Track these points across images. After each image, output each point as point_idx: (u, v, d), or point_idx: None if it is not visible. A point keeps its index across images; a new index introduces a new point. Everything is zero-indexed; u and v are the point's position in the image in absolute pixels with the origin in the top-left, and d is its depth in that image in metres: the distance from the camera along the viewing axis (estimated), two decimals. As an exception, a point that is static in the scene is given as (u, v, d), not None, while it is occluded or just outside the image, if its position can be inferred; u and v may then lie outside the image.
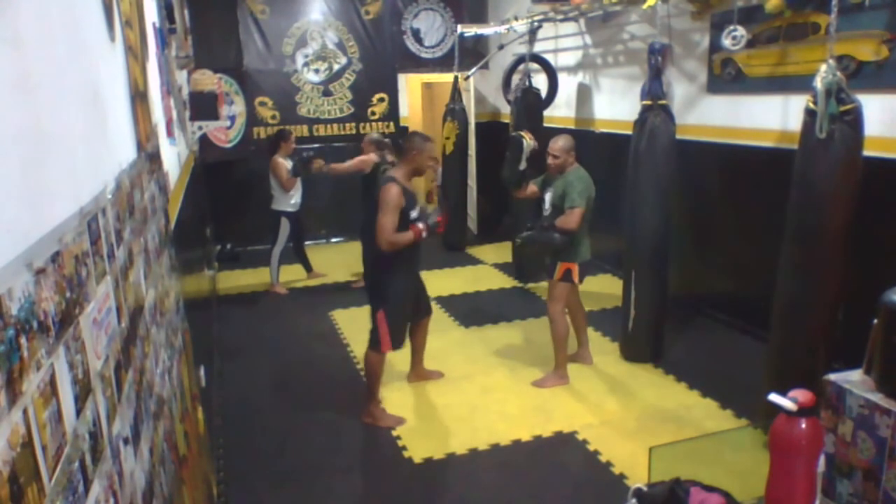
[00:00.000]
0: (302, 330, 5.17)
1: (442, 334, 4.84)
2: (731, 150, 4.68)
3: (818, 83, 2.93)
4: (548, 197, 4.01)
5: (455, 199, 7.14)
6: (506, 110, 7.32)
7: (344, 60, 7.69)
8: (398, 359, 4.30)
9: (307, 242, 6.59)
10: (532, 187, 4.15)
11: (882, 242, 3.52)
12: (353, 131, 7.80)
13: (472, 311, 5.41)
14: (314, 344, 4.90)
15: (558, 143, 3.94)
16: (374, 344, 3.66)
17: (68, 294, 0.94)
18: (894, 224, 3.50)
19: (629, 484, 2.96)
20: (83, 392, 0.96)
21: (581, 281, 4.02)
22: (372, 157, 5.47)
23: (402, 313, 3.70)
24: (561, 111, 6.70)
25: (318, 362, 4.58)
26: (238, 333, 5.13)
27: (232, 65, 7.12)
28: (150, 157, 2.15)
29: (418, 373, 4.20)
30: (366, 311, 5.50)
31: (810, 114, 3.00)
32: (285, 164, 5.79)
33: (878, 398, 2.12)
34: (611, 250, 5.81)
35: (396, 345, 3.68)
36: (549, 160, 3.96)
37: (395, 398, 3.96)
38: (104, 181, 1.32)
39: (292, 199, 5.91)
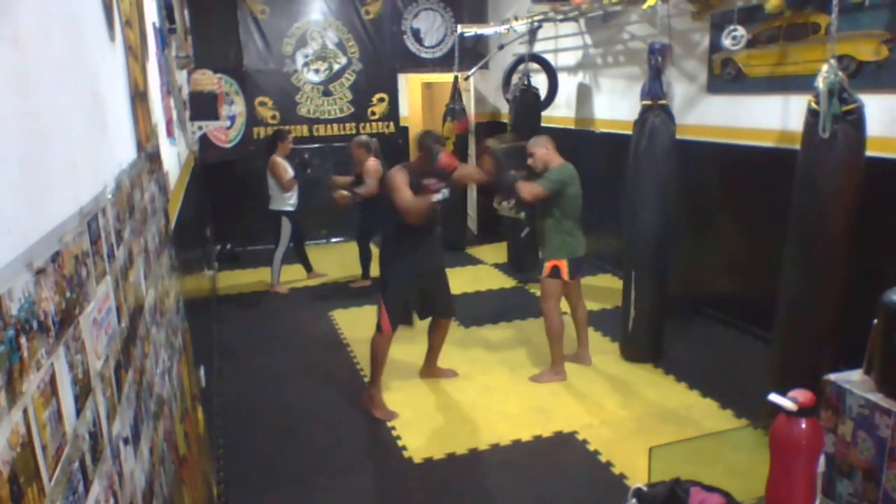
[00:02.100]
0: (302, 330, 5.17)
1: (442, 334, 4.84)
2: (731, 150, 4.68)
3: (820, 83, 2.93)
4: None
5: (455, 200, 7.14)
6: (506, 110, 7.32)
7: (344, 60, 7.69)
8: (401, 357, 4.30)
9: (307, 242, 6.59)
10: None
11: (881, 242, 3.52)
12: (353, 131, 7.79)
13: (472, 311, 5.41)
14: (314, 344, 4.90)
15: (532, 142, 4.05)
16: (378, 326, 3.80)
17: (68, 294, 0.94)
18: (893, 224, 3.50)
19: (629, 484, 2.96)
20: (83, 392, 0.96)
21: (574, 277, 4.03)
22: (373, 161, 5.61)
23: (399, 299, 3.80)
24: (561, 111, 6.69)
25: (318, 362, 4.58)
26: (238, 333, 5.13)
27: (232, 65, 7.12)
28: (150, 157, 2.15)
29: (430, 370, 4.22)
30: (366, 310, 5.53)
31: (813, 114, 2.99)
32: (284, 164, 5.80)
33: (878, 398, 2.12)
34: (611, 250, 5.81)
35: (395, 326, 3.80)
36: (529, 161, 4.01)
37: (396, 397, 3.96)
38: (104, 181, 1.32)
39: (291, 199, 5.91)
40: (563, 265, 3.96)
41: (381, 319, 3.78)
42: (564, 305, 4.18)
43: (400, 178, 3.62)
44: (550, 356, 4.13)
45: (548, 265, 3.99)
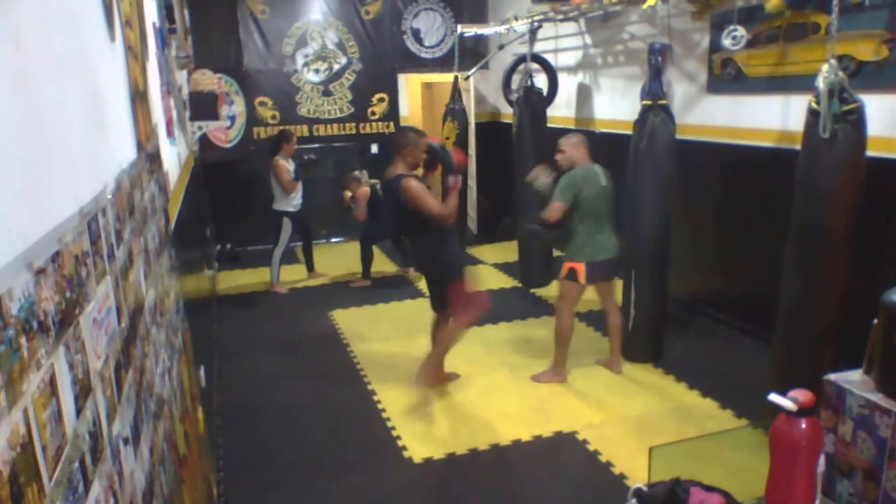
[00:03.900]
0: (302, 330, 5.17)
1: (442, 334, 4.84)
2: (731, 150, 4.68)
3: (820, 83, 2.93)
4: None
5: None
6: (506, 110, 7.32)
7: (344, 60, 7.69)
8: (401, 358, 4.31)
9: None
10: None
11: (881, 242, 3.52)
12: (353, 131, 7.81)
13: (472, 311, 5.40)
14: (314, 344, 4.90)
15: (567, 139, 4.00)
16: (460, 311, 3.78)
17: (68, 294, 0.94)
18: (893, 224, 3.50)
19: (629, 484, 2.96)
20: (83, 392, 0.96)
21: (593, 282, 3.92)
22: (363, 188, 6.02)
23: (464, 278, 3.87)
24: (561, 111, 6.69)
25: (318, 362, 4.58)
26: (238, 333, 5.13)
27: (232, 65, 7.12)
28: (150, 157, 2.15)
29: (441, 376, 4.14)
30: (366, 310, 5.55)
31: (813, 114, 2.99)
32: (286, 166, 5.81)
33: (878, 398, 2.12)
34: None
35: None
36: (557, 156, 3.97)
37: (395, 397, 3.96)
38: (104, 181, 1.32)
39: (294, 200, 5.93)
40: (580, 268, 3.86)
41: (465, 302, 3.77)
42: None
43: (419, 186, 3.60)
44: (553, 357, 4.11)
45: (564, 267, 3.93)
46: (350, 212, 6.15)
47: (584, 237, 3.87)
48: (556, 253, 5.83)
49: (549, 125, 6.14)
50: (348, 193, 6.13)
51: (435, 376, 3.86)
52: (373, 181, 6.13)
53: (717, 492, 2.30)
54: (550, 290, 5.85)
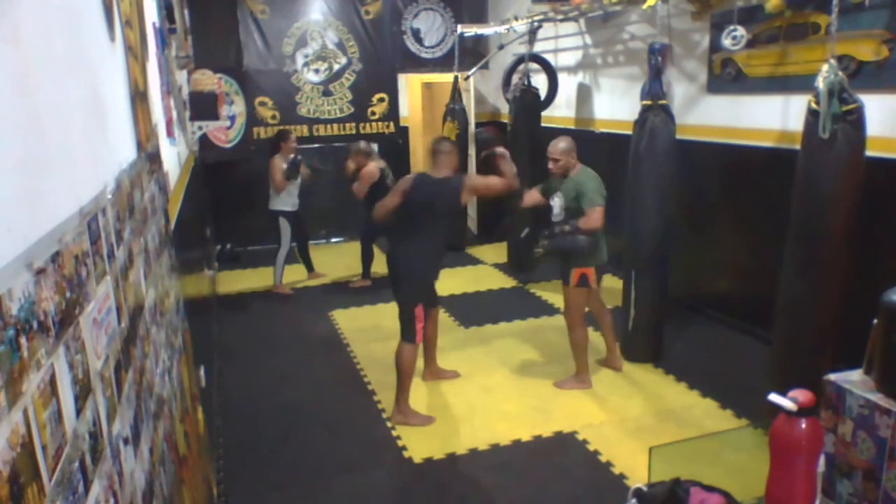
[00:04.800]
0: (302, 330, 5.17)
1: (442, 334, 4.80)
2: (731, 150, 4.68)
3: (820, 83, 2.93)
4: (557, 202, 3.90)
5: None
6: (506, 110, 7.32)
7: (344, 60, 7.69)
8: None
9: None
10: (536, 195, 4.06)
11: (881, 242, 3.52)
12: (353, 131, 7.81)
13: (472, 311, 5.41)
14: (314, 344, 4.90)
15: (557, 146, 3.85)
16: (410, 336, 3.65)
17: (68, 294, 0.94)
18: (892, 224, 3.50)
19: (629, 484, 2.96)
20: (83, 392, 0.96)
21: (598, 284, 3.92)
22: (372, 166, 5.67)
23: (429, 304, 3.83)
24: (561, 111, 6.70)
25: (318, 362, 4.58)
26: (238, 333, 5.13)
27: (232, 65, 7.12)
28: (150, 157, 2.15)
29: (434, 371, 4.17)
30: (366, 310, 5.54)
31: (813, 114, 3.00)
32: (280, 165, 5.81)
33: (878, 398, 2.13)
34: (611, 250, 5.80)
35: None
36: (550, 164, 3.87)
37: (395, 398, 3.95)
38: (104, 181, 1.32)
39: (290, 199, 5.92)
40: (591, 273, 3.82)
41: (417, 330, 3.65)
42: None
43: (478, 175, 3.72)
44: (575, 366, 4.04)
45: (575, 273, 3.82)
46: (350, 184, 5.81)
47: (596, 241, 3.81)
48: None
49: (548, 125, 6.14)
50: (352, 165, 5.83)
51: (408, 409, 3.71)
52: (382, 165, 5.84)
53: (717, 492, 2.30)
54: (546, 288, 5.85)
